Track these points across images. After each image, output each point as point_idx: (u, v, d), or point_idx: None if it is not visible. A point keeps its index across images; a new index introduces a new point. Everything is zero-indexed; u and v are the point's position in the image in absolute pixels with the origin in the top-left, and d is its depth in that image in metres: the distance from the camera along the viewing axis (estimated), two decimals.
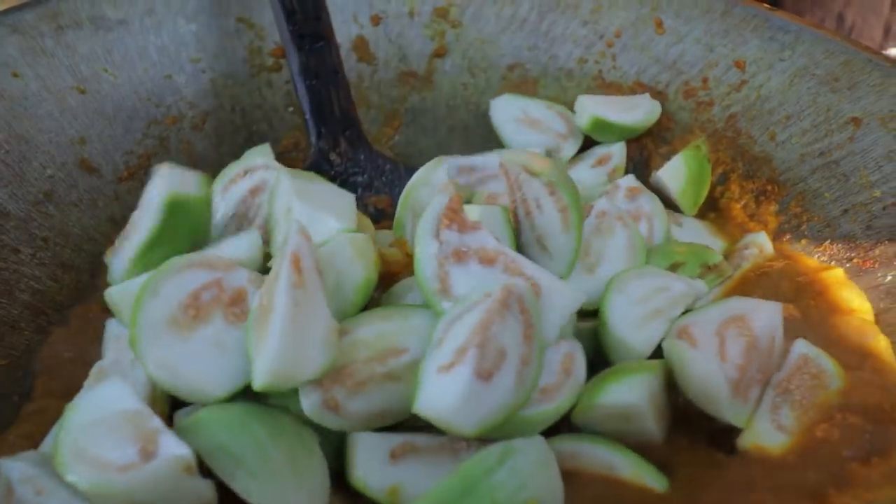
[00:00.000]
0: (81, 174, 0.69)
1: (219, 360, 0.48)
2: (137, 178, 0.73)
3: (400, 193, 0.69)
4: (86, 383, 0.50)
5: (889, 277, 0.60)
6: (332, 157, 0.75)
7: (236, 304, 0.49)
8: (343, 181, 0.76)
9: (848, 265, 0.64)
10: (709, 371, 0.50)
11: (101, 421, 0.43)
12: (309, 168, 0.74)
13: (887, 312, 0.57)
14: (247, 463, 0.43)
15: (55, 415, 0.48)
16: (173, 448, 0.41)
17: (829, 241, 0.66)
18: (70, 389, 0.50)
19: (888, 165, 0.64)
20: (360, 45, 0.86)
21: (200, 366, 0.47)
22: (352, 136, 0.77)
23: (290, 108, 0.84)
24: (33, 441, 0.50)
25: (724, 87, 0.77)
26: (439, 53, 0.86)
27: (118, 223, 0.70)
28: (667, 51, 0.81)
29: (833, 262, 0.65)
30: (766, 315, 0.54)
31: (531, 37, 0.86)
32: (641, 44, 0.82)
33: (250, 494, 0.42)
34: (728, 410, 0.51)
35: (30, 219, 0.64)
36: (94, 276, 0.67)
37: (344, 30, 0.85)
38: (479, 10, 0.86)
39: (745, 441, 0.51)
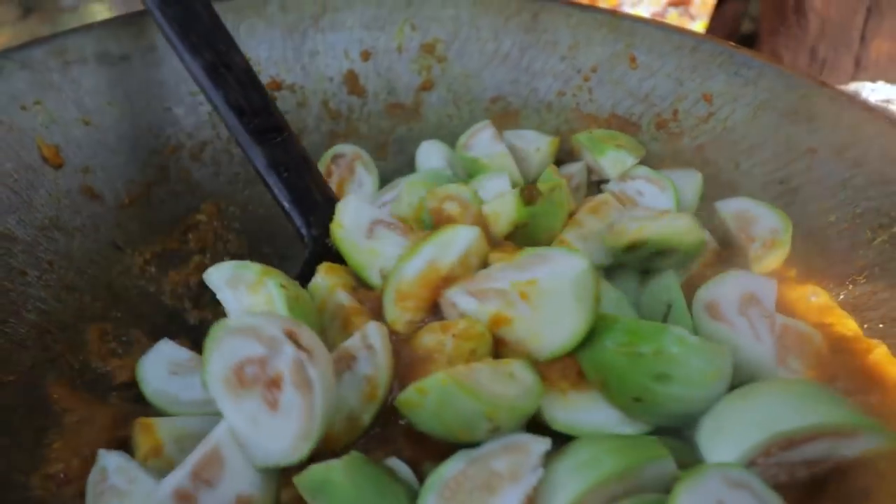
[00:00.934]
0: (85, 201, 0.73)
1: (254, 433, 0.49)
2: (138, 204, 0.77)
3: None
4: None
5: (842, 296, 0.64)
6: (329, 243, 0.70)
7: (271, 390, 0.48)
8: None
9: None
10: (760, 355, 0.54)
11: None
12: (309, 261, 0.70)
13: (831, 327, 0.62)
14: None
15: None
16: None
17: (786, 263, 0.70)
18: None
19: (842, 192, 0.68)
20: (351, 79, 0.91)
21: (245, 428, 0.49)
22: None
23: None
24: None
25: (693, 119, 0.82)
26: (426, 87, 0.91)
27: (120, 248, 0.74)
28: (640, 85, 0.86)
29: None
30: (770, 292, 0.58)
31: (513, 71, 0.91)
32: (616, 78, 0.87)
33: None
34: None
35: (36, 243, 0.67)
36: (95, 298, 0.70)
37: (335, 65, 0.90)
38: (464, 46, 0.91)
39: None
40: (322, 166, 0.85)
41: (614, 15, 0.89)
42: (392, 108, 0.92)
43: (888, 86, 1.01)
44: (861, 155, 0.68)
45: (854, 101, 0.71)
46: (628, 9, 1.70)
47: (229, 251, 0.82)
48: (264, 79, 0.87)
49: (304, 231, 0.72)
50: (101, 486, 0.51)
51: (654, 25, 0.87)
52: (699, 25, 1.82)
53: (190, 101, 0.83)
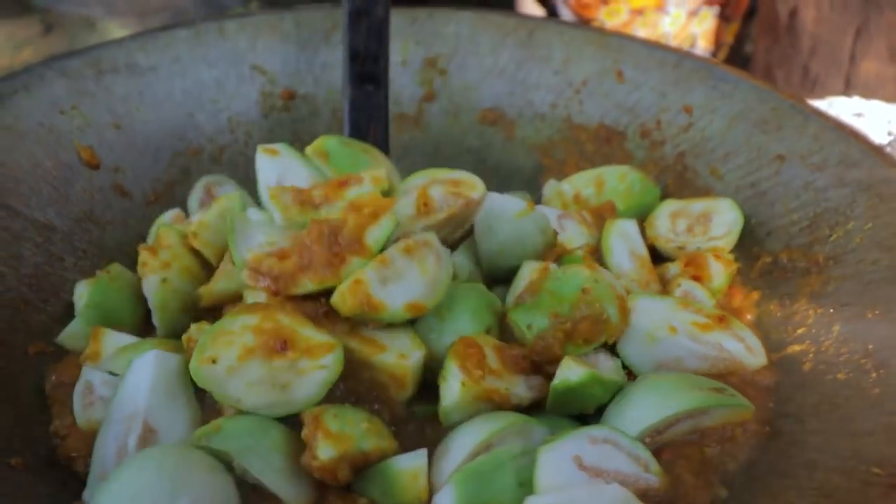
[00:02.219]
0: (116, 197, 0.80)
1: None
2: (163, 201, 0.84)
3: None
4: None
5: (801, 286, 0.70)
6: None
7: None
8: None
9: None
10: None
11: None
12: None
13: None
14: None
15: None
16: None
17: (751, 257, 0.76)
18: None
19: (805, 194, 0.75)
20: None
21: None
22: None
23: (296, 144, 0.95)
24: None
25: (675, 129, 0.89)
26: (428, 98, 0.98)
27: (146, 239, 0.81)
28: (626, 97, 0.93)
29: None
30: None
31: (509, 84, 0.98)
32: (605, 91, 0.94)
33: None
34: None
35: (73, 233, 0.75)
36: None
37: None
38: (464, 61, 0.98)
39: None
40: None
41: (603, 33, 0.96)
42: (397, 117, 0.99)
43: (862, 100, 1.07)
44: (822, 161, 0.74)
45: (818, 113, 0.78)
46: (673, 8, 1.72)
47: None
48: (279, 89, 0.95)
49: None
50: (88, 398, 0.59)
51: (639, 43, 0.94)
52: (731, 28, 1.82)
53: (211, 109, 0.91)
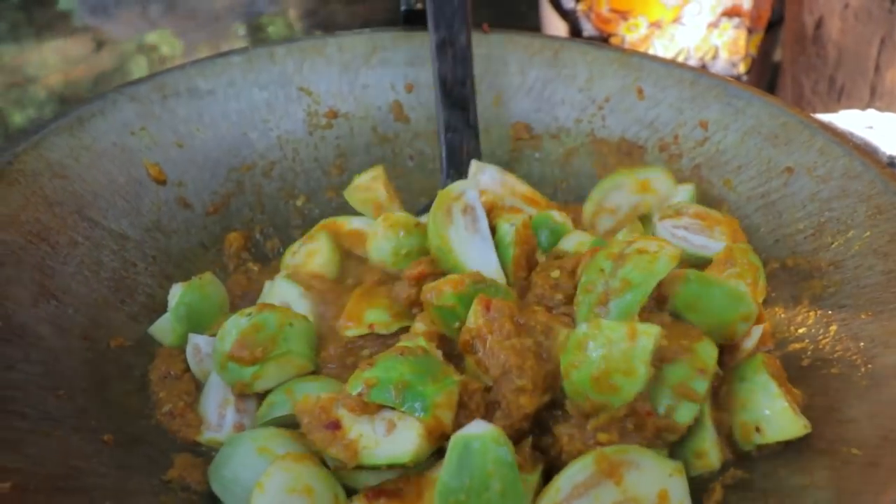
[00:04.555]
0: (179, 209, 0.89)
1: None
2: (220, 212, 0.93)
3: None
4: None
5: (804, 290, 0.76)
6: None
7: None
8: None
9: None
10: None
11: None
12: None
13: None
14: None
15: None
16: None
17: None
18: None
19: (811, 205, 0.80)
20: (397, 108, 1.06)
21: None
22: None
23: (339, 159, 1.03)
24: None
25: (691, 143, 0.95)
26: None
27: (206, 247, 0.90)
28: (646, 113, 0.99)
29: None
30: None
31: (536, 101, 1.05)
32: (626, 107, 1.00)
33: None
34: None
35: (143, 241, 0.84)
36: None
37: (383, 96, 1.05)
38: (494, 80, 1.05)
39: None
40: None
41: (624, 52, 1.02)
42: (432, 132, 1.06)
43: (875, 112, 1.11)
44: (827, 173, 0.80)
45: (824, 127, 0.83)
46: (689, 19, 1.77)
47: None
48: (323, 108, 1.03)
49: (443, 178, 0.95)
50: (198, 356, 0.72)
51: (659, 62, 1.00)
52: (754, 40, 1.85)
53: (262, 128, 0.99)
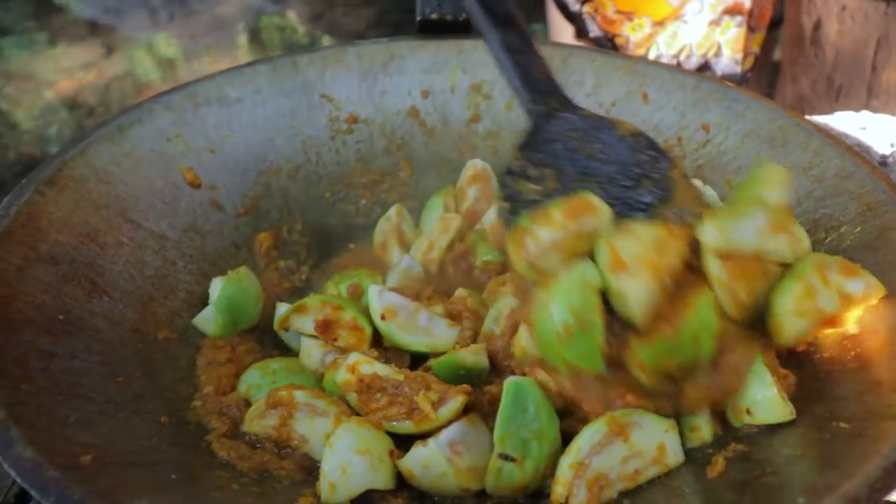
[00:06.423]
0: (213, 211, 0.95)
1: None
2: (250, 213, 0.99)
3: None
4: None
5: None
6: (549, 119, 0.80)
7: None
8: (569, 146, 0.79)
9: None
10: None
11: None
12: (532, 131, 0.80)
13: None
14: None
15: None
16: None
17: None
18: None
19: (806, 203, 0.86)
20: (413, 113, 1.11)
21: None
22: (560, 98, 0.84)
23: (359, 162, 1.09)
24: None
25: (694, 145, 1.00)
26: (474, 119, 1.11)
27: (238, 246, 0.95)
28: (650, 116, 1.04)
29: None
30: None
31: None
32: (631, 111, 1.06)
33: None
34: None
35: (181, 241, 0.90)
36: None
37: (400, 102, 1.10)
38: (506, 86, 1.11)
39: None
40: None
41: (630, 59, 1.08)
42: (446, 134, 1.12)
43: (869, 114, 1.16)
44: (821, 173, 0.85)
45: (818, 129, 0.88)
46: (691, 17, 1.81)
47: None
48: (344, 114, 1.09)
49: (526, 107, 0.83)
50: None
51: (663, 67, 1.05)
52: (757, 38, 1.87)
53: (287, 133, 1.05)
